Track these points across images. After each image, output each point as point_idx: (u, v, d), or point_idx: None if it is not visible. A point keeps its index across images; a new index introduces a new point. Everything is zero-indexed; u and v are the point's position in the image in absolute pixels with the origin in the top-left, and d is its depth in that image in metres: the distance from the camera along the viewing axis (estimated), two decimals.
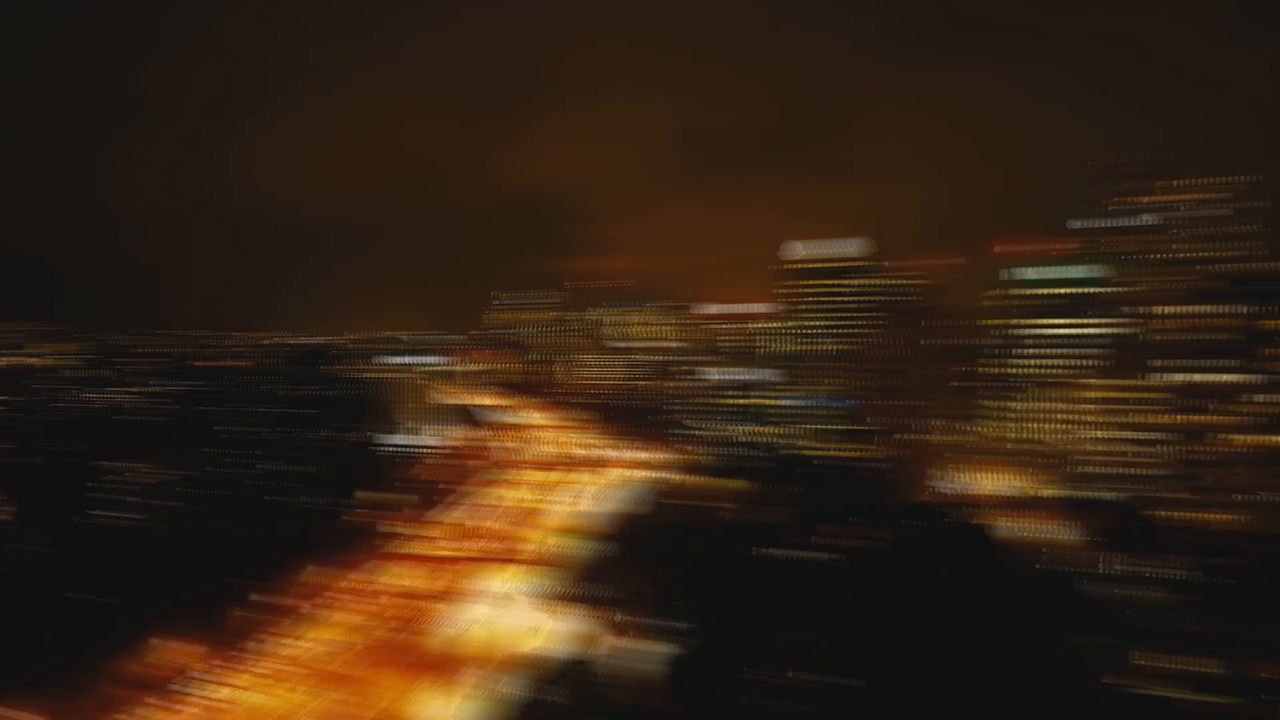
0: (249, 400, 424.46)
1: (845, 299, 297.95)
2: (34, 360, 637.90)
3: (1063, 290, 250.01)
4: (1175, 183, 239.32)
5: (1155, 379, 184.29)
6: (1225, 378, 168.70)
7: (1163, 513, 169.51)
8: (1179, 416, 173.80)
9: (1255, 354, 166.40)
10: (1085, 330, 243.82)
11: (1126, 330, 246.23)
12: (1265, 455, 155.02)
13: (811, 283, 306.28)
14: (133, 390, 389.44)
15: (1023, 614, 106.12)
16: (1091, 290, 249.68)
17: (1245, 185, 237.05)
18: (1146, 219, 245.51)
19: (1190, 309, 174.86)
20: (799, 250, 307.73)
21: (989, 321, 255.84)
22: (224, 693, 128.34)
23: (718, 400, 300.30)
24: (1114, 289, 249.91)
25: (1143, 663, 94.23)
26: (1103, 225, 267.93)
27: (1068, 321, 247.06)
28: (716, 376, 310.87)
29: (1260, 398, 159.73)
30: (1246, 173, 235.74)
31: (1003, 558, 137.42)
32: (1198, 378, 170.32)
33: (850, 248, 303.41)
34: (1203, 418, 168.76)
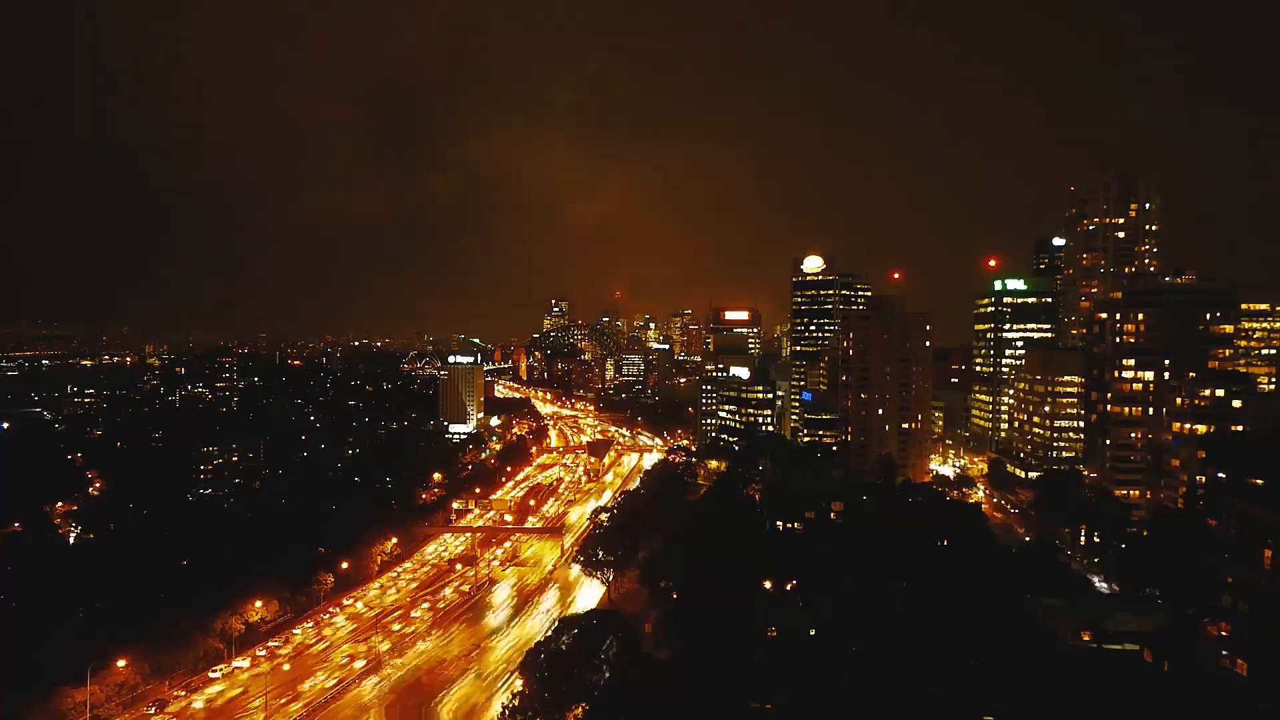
0: (338, 394, 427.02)
1: (828, 307, 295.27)
2: (130, 358, 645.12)
3: (1014, 300, 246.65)
4: (1104, 205, 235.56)
5: (1089, 376, 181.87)
6: (1143, 374, 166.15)
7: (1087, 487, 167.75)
8: (1103, 408, 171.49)
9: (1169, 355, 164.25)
10: (1030, 334, 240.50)
11: (1060, 334, 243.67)
12: (1170, 442, 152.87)
13: (803, 294, 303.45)
14: (223, 384, 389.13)
15: (992, 577, 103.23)
16: (1035, 300, 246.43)
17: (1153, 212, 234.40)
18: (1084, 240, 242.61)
19: (1116, 316, 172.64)
20: (795, 266, 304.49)
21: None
22: (307, 649, 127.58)
23: (719, 394, 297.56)
24: (1053, 299, 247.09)
25: (1094, 620, 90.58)
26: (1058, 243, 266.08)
27: (1018, 327, 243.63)
28: (718, 374, 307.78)
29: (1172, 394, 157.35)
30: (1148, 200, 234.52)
31: (966, 527, 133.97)
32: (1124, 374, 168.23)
33: (833, 264, 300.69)
34: (1124, 409, 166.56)
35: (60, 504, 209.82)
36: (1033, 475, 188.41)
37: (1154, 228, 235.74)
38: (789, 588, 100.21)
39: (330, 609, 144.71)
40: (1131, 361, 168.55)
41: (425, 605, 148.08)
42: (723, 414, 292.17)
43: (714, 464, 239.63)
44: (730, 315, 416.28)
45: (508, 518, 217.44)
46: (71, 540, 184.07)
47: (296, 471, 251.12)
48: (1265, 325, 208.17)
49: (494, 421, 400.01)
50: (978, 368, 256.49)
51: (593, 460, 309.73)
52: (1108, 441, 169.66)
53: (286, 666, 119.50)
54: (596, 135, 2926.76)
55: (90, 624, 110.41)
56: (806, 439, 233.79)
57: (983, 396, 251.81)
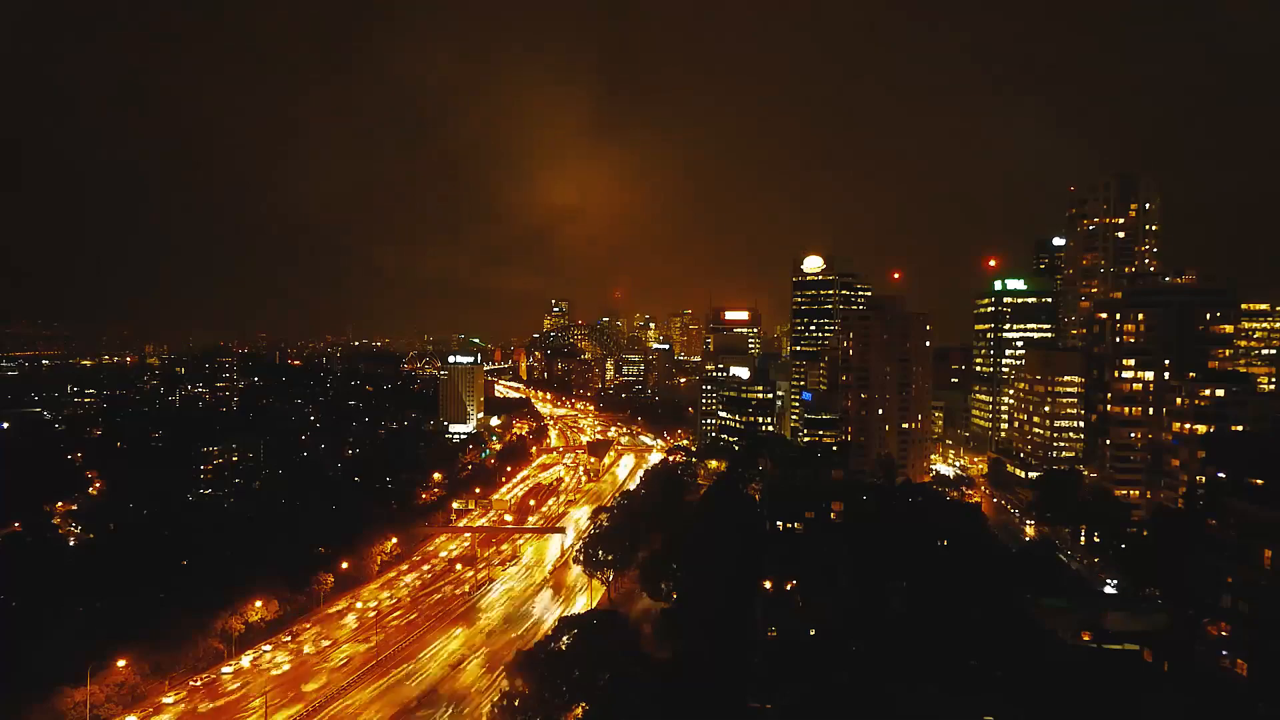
0: (338, 394, 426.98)
1: (828, 307, 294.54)
2: (130, 358, 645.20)
3: (1014, 300, 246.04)
4: (1104, 205, 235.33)
5: (1089, 376, 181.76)
6: (1143, 374, 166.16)
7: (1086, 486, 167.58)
8: (1103, 408, 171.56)
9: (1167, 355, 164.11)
10: (1030, 334, 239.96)
11: (1060, 334, 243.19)
12: (1170, 442, 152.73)
13: (803, 294, 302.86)
14: (223, 384, 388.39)
15: (992, 577, 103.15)
16: (1035, 300, 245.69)
17: (1153, 212, 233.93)
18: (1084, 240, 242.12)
19: (1116, 316, 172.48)
20: (795, 266, 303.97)
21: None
22: (307, 649, 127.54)
23: (719, 394, 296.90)
24: (1053, 299, 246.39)
25: (1094, 620, 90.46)
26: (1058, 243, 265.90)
27: (1018, 327, 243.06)
28: (718, 374, 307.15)
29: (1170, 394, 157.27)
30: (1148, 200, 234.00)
31: (965, 527, 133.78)
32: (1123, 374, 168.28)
33: (833, 264, 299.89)
34: (1124, 409, 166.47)
35: (60, 504, 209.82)
36: (1033, 475, 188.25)
37: (1154, 228, 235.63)
38: (789, 588, 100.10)
39: (330, 608, 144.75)
40: (1131, 361, 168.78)
41: (425, 605, 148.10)
42: (723, 414, 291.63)
43: (714, 464, 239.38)
44: (730, 315, 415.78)
45: (508, 518, 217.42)
46: (71, 540, 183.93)
47: (296, 471, 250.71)
48: (1265, 325, 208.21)
49: (494, 421, 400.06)
50: (978, 368, 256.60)
51: (593, 460, 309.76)
52: (1108, 441, 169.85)
53: (286, 666, 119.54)
54: (598, 134, 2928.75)
55: (90, 624, 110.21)
56: (806, 439, 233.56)
57: (983, 396, 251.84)
